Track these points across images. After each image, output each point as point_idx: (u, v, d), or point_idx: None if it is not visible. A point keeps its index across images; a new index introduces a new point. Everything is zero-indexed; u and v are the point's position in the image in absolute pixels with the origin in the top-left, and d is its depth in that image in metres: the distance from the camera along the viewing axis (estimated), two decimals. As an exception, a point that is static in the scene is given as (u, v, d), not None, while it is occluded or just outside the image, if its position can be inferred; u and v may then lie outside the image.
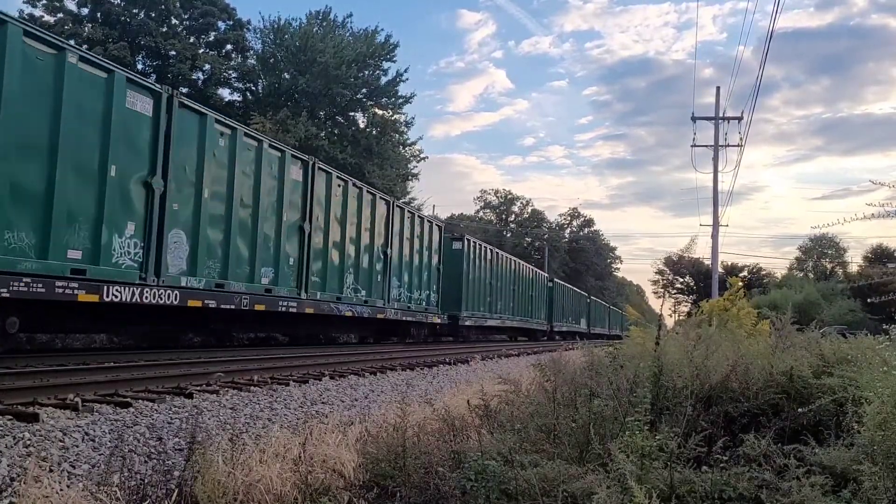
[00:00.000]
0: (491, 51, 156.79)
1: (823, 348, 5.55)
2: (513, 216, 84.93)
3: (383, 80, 34.60)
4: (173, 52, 29.14)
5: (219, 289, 11.49)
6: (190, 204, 10.87)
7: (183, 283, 10.71)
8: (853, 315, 36.67)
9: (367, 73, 33.82)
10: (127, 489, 3.84)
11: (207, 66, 30.07)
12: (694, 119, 27.47)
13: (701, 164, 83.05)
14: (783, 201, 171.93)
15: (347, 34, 34.25)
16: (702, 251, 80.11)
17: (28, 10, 27.65)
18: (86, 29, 27.79)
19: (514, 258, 33.84)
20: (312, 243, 14.48)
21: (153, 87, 10.43)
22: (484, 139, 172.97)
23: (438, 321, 22.21)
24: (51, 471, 4.10)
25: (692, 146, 27.38)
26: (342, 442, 4.87)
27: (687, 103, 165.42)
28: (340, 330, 18.70)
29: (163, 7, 29.52)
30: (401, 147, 37.34)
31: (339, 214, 15.80)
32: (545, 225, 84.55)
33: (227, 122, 12.03)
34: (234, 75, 33.40)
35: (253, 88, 34.24)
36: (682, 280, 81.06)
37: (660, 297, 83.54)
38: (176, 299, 10.46)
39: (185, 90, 28.72)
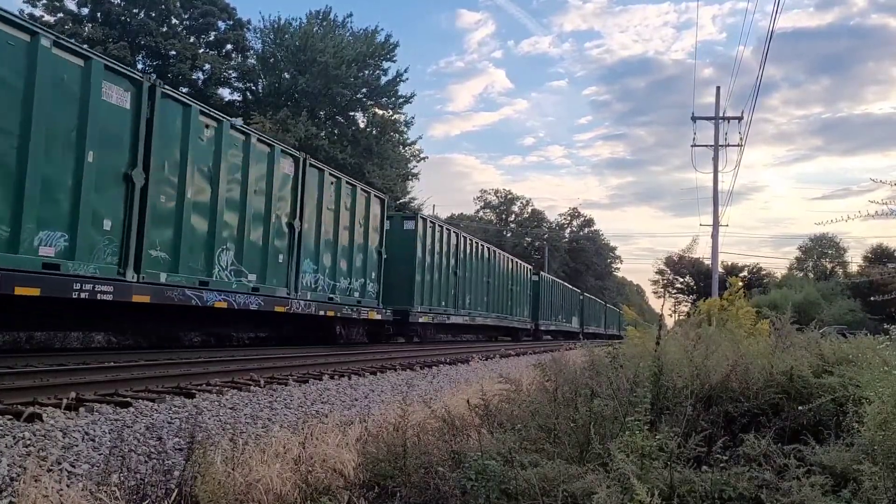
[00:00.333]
0: (490, 51, 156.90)
1: (823, 348, 5.56)
2: (513, 216, 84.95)
3: (383, 80, 34.62)
4: (173, 52, 29.14)
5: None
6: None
7: None
8: (853, 315, 36.69)
9: (366, 72, 33.83)
10: (126, 489, 3.84)
11: (207, 66, 30.07)
12: (694, 119, 27.47)
13: (701, 163, 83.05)
14: (783, 201, 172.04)
15: (347, 34, 34.26)
16: (702, 251, 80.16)
17: (28, 9, 27.66)
18: (86, 29, 27.79)
19: (491, 246, 29.65)
20: (152, 202, 10.24)
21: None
22: (484, 139, 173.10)
23: (378, 317, 17.86)
24: (50, 470, 4.10)
25: (692, 146, 27.38)
26: (342, 442, 4.87)
27: (686, 103, 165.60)
28: (218, 327, 14.08)
29: (163, 7, 29.52)
30: (401, 147, 37.35)
31: (211, 168, 11.55)
32: (545, 225, 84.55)
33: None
34: (234, 75, 33.41)
35: (253, 88, 34.25)
36: (682, 280, 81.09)
37: (660, 297, 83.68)
38: None
39: (185, 90, 28.76)
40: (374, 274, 17.99)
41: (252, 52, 33.93)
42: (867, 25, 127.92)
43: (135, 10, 29.08)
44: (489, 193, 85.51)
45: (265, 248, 13.12)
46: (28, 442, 4.58)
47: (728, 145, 26.61)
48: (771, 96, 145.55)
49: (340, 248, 16.06)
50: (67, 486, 3.85)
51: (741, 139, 26.15)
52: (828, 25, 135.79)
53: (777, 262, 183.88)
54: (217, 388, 7.66)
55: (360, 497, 4.00)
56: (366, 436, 5.28)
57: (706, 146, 27.11)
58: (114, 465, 4.28)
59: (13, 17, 8.27)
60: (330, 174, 15.58)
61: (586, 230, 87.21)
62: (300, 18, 34.08)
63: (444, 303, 22.44)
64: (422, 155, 40.20)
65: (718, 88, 41.57)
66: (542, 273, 40.21)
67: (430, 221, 21.70)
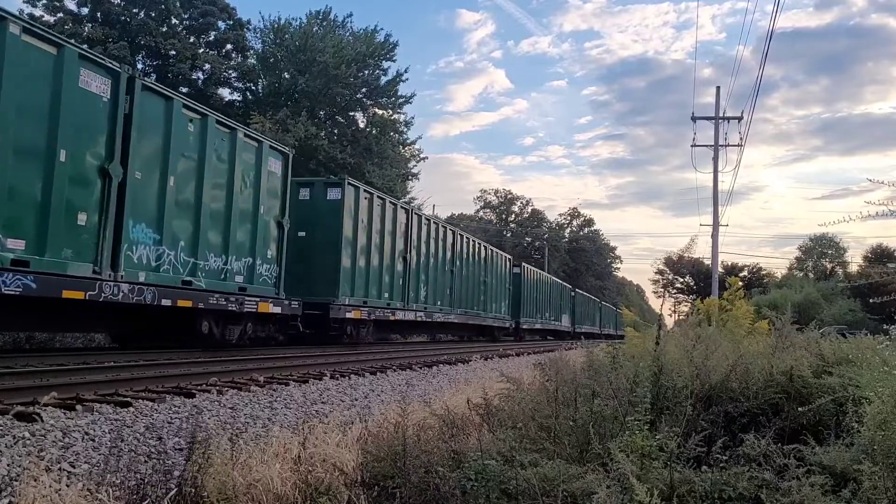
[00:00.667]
0: (490, 51, 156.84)
1: (823, 348, 5.56)
2: (513, 216, 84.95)
3: (383, 80, 34.59)
4: (173, 52, 29.14)
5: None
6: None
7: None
8: (853, 315, 36.67)
9: (366, 72, 33.81)
10: (126, 489, 3.84)
11: (207, 66, 30.06)
12: (694, 119, 27.47)
13: (701, 163, 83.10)
14: (783, 201, 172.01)
15: (347, 34, 34.25)
16: (702, 251, 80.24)
17: (28, 9, 27.65)
18: (86, 29, 27.79)
19: (457, 229, 25.36)
20: None
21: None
22: (483, 139, 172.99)
23: (277, 310, 13.30)
24: (50, 470, 4.10)
25: (692, 146, 27.37)
26: (342, 441, 4.87)
27: (686, 103, 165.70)
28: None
29: (163, 7, 29.51)
30: (400, 147, 37.34)
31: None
32: (545, 225, 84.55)
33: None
34: (234, 75, 33.38)
35: (253, 88, 34.23)
36: (682, 280, 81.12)
37: (660, 296, 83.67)
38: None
39: (185, 90, 28.76)
40: (269, 252, 13.32)
41: (252, 52, 33.92)
42: (866, 25, 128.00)
43: (135, 10, 29.08)
44: (489, 193, 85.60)
45: (45, 200, 8.62)
46: (28, 442, 4.58)
47: (728, 145, 26.63)
48: (770, 96, 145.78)
49: (208, 214, 11.58)
50: (67, 485, 3.85)
51: (741, 139, 26.18)
52: (827, 25, 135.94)
53: (777, 262, 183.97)
54: (217, 388, 7.66)
55: (360, 497, 4.00)
56: (366, 436, 5.28)
57: (706, 146, 27.13)
58: (114, 465, 4.28)
59: None
60: (185, 108, 11.17)
61: (586, 230, 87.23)
62: (300, 18, 34.08)
63: (386, 294, 18.19)
64: (422, 155, 40.20)
65: (718, 88, 41.65)
66: (524, 265, 36.13)
67: (366, 191, 17.20)
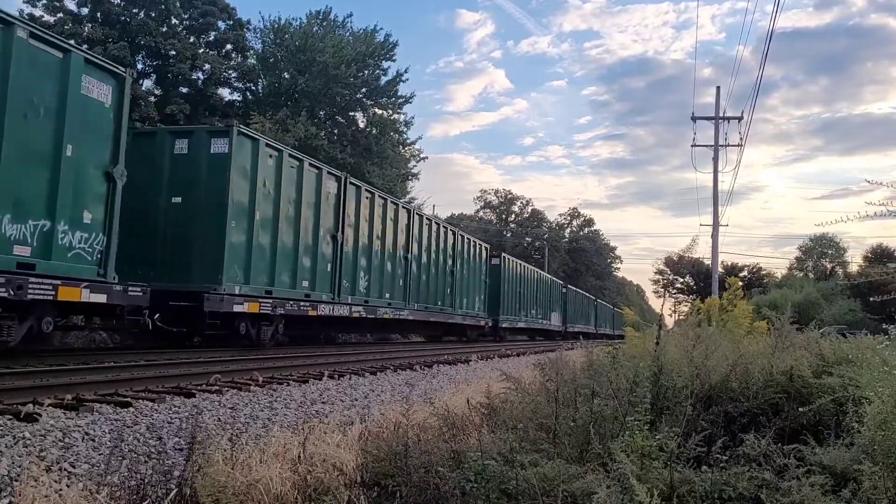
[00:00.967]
0: (490, 51, 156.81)
1: (823, 348, 5.56)
2: (513, 216, 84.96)
3: (383, 80, 34.60)
4: (173, 52, 29.13)
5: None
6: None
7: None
8: (853, 315, 36.67)
9: (366, 72, 33.82)
10: (127, 489, 3.84)
11: (207, 66, 30.05)
12: (694, 119, 27.47)
13: (701, 163, 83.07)
14: (783, 201, 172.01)
15: (347, 34, 34.25)
16: (702, 251, 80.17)
17: (28, 9, 27.65)
18: (86, 29, 27.79)
19: (418, 210, 21.86)
20: None
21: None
22: (483, 139, 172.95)
23: (99, 300, 9.31)
24: (50, 470, 4.10)
25: (692, 146, 27.36)
26: (342, 442, 4.87)
27: (686, 103, 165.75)
28: None
29: (163, 7, 29.51)
30: (400, 147, 37.34)
31: None
32: (545, 225, 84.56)
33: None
34: (234, 75, 33.37)
35: (253, 88, 34.23)
36: (682, 280, 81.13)
37: (660, 296, 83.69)
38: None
39: (185, 90, 28.75)
40: (87, 215, 9.41)
41: (252, 52, 33.92)
42: (866, 25, 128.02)
43: (135, 11, 29.08)
44: (489, 193, 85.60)
45: None
46: (28, 442, 4.58)
47: (728, 145, 26.63)
48: (770, 96, 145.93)
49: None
50: (67, 486, 3.85)
51: (741, 139, 26.17)
52: (826, 25, 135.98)
53: (777, 262, 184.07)
54: (217, 387, 7.66)
55: (360, 497, 4.00)
56: (366, 436, 5.28)
57: (706, 146, 27.12)
58: (114, 465, 4.28)
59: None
60: None
61: (586, 230, 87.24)
62: (300, 18, 34.10)
63: (306, 283, 14.29)
64: (422, 155, 40.19)
65: (718, 88, 41.65)
66: (505, 255, 31.67)
67: (271, 147, 13.21)
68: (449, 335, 26.09)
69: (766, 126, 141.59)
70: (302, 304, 14.05)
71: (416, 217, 20.96)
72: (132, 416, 5.82)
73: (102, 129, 9.67)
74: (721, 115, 26.71)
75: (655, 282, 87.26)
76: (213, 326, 11.86)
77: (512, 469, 3.73)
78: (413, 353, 16.70)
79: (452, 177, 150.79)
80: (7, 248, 8.26)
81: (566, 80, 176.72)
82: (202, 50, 31.40)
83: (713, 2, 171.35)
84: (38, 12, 27.83)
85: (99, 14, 28.57)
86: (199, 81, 30.77)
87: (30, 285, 8.32)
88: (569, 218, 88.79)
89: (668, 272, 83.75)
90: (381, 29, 35.66)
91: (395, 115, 36.11)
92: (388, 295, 18.52)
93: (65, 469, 4.24)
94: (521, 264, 34.59)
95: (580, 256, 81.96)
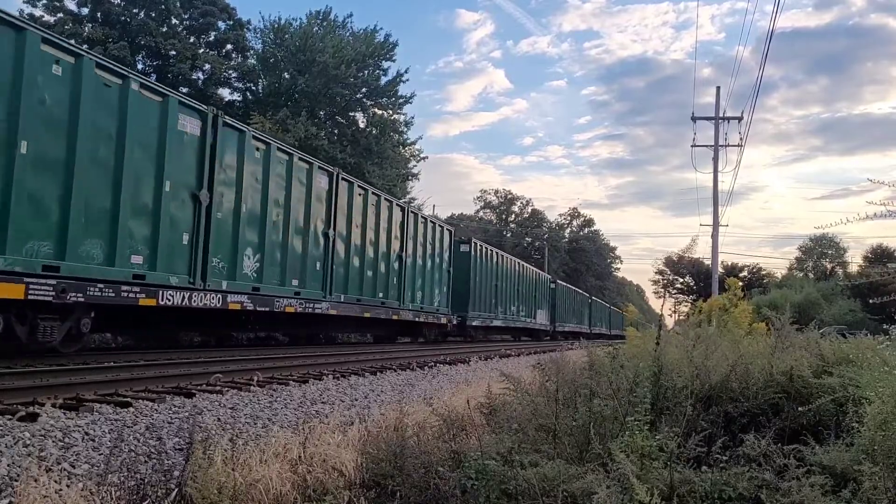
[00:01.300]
0: (489, 51, 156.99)
1: (823, 348, 5.56)
2: (513, 216, 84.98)
3: (383, 80, 34.62)
4: (173, 52, 29.14)
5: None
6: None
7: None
8: (853, 315, 36.67)
9: (366, 72, 33.83)
10: (126, 489, 3.84)
11: (207, 66, 30.08)
12: (694, 119, 27.47)
13: (701, 164, 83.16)
14: (783, 201, 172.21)
15: (347, 34, 34.27)
16: (702, 251, 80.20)
17: (28, 9, 27.66)
18: (86, 29, 27.79)
19: (336, 173, 15.39)
20: None
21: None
22: (483, 139, 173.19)
23: None
24: (50, 470, 4.10)
25: (692, 146, 27.37)
26: (342, 442, 4.87)
27: (685, 103, 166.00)
28: None
29: (163, 7, 29.52)
30: (400, 147, 37.35)
31: None
32: (545, 225, 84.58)
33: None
34: (234, 75, 33.41)
35: (253, 88, 34.26)
36: (682, 280, 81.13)
37: (660, 297, 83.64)
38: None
39: (185, 90, 28.78)
40: None
41: (252, 52, 33.94)
42: (866, 25, 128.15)
43: (135, 10, 29.08)
44: (489, 193, 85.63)
45: None
46: (28, 442, 4.58)
47: (728, 145, 26.63)
48: (770, 96, 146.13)
49: None
50: (67, 486, 3.85)
51: (741, 139, 26.18)
52: (826, 25, 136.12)
53: (777, 262, 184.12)
54: (217, 387, 7.66)
55: (360, 497, 4.00)
56: (366, 436, 5.28)
57: (706, 146, 27.13)
58: (114, 465, 4.28)
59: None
60: None
61: (586, 230, 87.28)
62: (300, 18, 34.13)
63: (137, 259, 9.89)
64: (422, 155, 40.20)
65: (718, 88, 41.65)
66: (476, 241, 26.53)
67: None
68: (405, 335, 21.50)
69: (766, 126, 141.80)
70: (127, 288, 9.50)
71: (344, 184, 15.70)
72: (132, 416, 5.82)
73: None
74: (721, 115, 26.72)
75: (655, 282, 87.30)
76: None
77: (512, 469, 3.73)
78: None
79: (452, 177, 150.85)
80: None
81: (566, 80, 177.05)
82: (202, 50, 31.41)
83: (713, 2, 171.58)
84: (38, 12, 27.83)
85: (99, 14, 28.57)
86: (200, 81, 30.79)
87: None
88: (569, 218, 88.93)
89: (668, 272, 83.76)
90: (381, 29, 35.72)
91: (395, 116, 36.13)
92: (295, 282, 13.76)
93: (65, 469, 4.24)
94: (498, 254, 29.49)
95: (580, 256, 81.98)
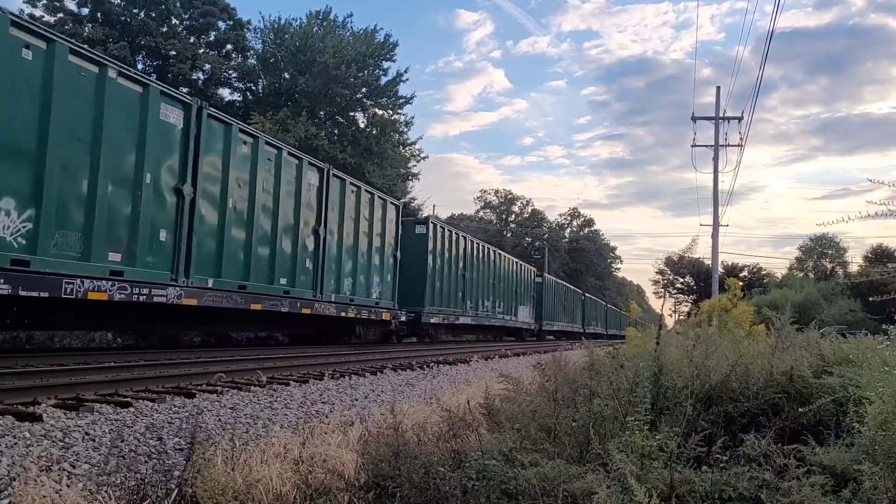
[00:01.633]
0: (489, 51, 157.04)
1: (823, 348, 5.56)
2: (513, 216, 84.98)
3: (383, 80, 34.64)
4: (173, 52, 29.15)
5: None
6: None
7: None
8: (853, 315, 36.64)
9: (366, 72, 33.83)
10: (127, 489, 3.84)
11: (207, 66, 30.09)
12: (694, 119, 27.47)
13: (701, 163, 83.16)
14: (783, 201, 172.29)
15: (347, 34, 34.28)
16: (702, 251, 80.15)
17: (28, 10, 27.65)
18: (86, 29, 27.79)
19: (197, 106, 11.08)
20: None
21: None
22: (482, 139, 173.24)
23: None
24: (50, 470, 4.10)
25: (692, 146, 27.37)
26: (343, 442, 4.87)
27: (685, 103, 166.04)
28: None
29: (163, 7, 29.53)
30: (401, 147, 37.36)
31: None
32: (545, 225, 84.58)
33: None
34: (234, 75, 33.43)
35: (253, 88, 34.28)
36: (682, 280, 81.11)
37: (660, 297, 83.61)
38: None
39: (185, 90, 28.76)
40: None
41: (252, 52, 33.95)
42: (865, 25, 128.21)
43: (135, 11, 29.09)
44: (489, 193, 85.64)
45: None
46: (28, 442, 4.58)
47: (728, 145, 26.63)
48: (770, 96, 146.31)
49: None
50: (67, 486, 3.85)
51: (741, 139, 26.18)
52: (826, 25, 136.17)
53: (777, 262, 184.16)
54: (218, 387, 7.67)
55: (361, 497, 4.00)
56: (366, 436, 5.28)
57: (706, 146, 27.13)
58: (114, 466, 4.28)
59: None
60: None
61: (586, 230, 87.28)
62: (300, 18, 34.15)
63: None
64: (422, 155, 40.21)
65: (718, 88, 41.61)
66: (434, 222, 21.77)
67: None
68: (340, 334, 17.13)
69: (766, 126, 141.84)
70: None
71: (215, 125, 11.64)
72: (132, 416, 5.82)
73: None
74: (721, 115, 26.72)
75: (655, 282, 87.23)
76: None
77: (512, 469, 3.73)
78: (413, 353, 16.70)
79: (452, 177, 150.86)
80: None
81: (565, 80, 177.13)
82: (202, 50, 31.42)
83: (713, 2, 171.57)
84: (38, 12, 27.83)
85: (99, 14, 28.58)
86: (200, 81, 30.80)
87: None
88: (569, 218, 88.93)
89: (669, 272, 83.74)
90: (381, 29, 35.75)
91: (395, 116, 36.14)
92: (116, 256, 9.61)
93: (65, 469, 4.24)
94: (467, 239, 24.89)
95: (580, 256, 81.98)
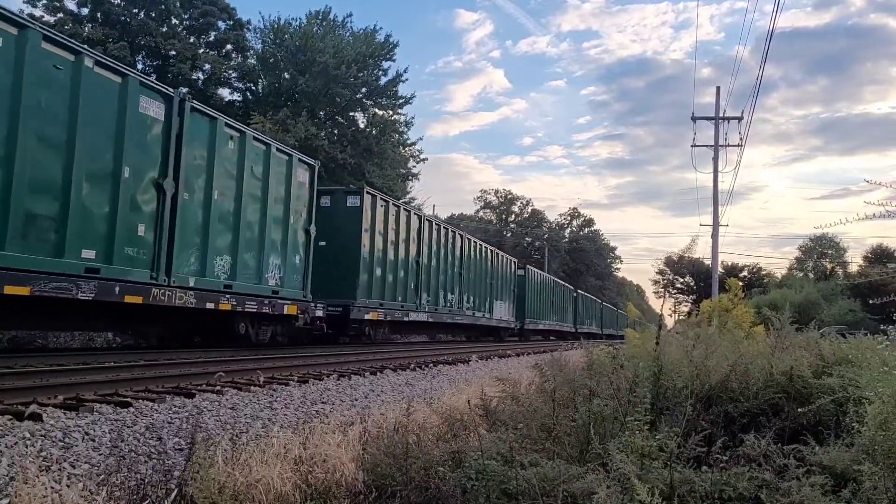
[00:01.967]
0: (489, 50, 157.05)
1: (823, 348, 5.57)
2: (513, 216, 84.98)
3: (383, 80, 34.63)
4: (173, 52, 29.15)
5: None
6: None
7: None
8: (853, 315, 36.62)
9: (366, 73, 33.83)
10: (126, 489, 3.84)
11: (207, 66, 30.09)
12: (694, 119, 27.46)
13: (701, 163, 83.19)
14: (782, 201, 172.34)
15: (347, 34, 34.27)
16: (702, 251, 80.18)
17: (28, 9, 27.65)
18: (86, 29, 27.79)
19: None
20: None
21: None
22: (482, 139, 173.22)
23: None
24: (50, 470, 4.11)
25: (692, 146, 27.36)
26: (343, 442, 4.87)
27: (684, 103, 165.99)
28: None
29: (163, 7, 29.53)
30: (400, 147, 37.36)
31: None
32: (545, 225, 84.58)
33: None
34: (234, 75, 33.41)
35: (253, 88, 34.26)
36: (682, 280, 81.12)
37: (660, 297, 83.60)
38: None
39: (185, 90, 28.73)
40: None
41: (252, 52, 33.94)
42: (865, 25, 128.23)
43: (135, 10, 29.09)
44: (489, 193, 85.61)
45: None
46: (28, 442, 4.58)
47: (728, 145, 26.62)
48: (769, 96, 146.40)
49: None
50: (67, 486, 3.85)
51: (741, 139, 26.17)
52: (826, 25, 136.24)
53: (777, 262, 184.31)
54: (218, 387, 7.67)
55: (361, 497, 4.00)
56: (366, 436, 5.28)
57: (706, 146, 27.12)
58: (114, 465, 4.28)
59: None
60: None
61: (586, 230, 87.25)
62: (300, 18, 34.12)
63: None
64: (422, 156, 40.19)
65: (718, 88, 41.58)
66: (370, 194, 17.17)
67: None
68: (205, 334, 13.65)
69: (766, 126, 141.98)
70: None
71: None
72: (132, 416, 5.82)
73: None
74: (721, 115, 26.71)
75: (656, 282, 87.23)
76: None
77: (512, 469, 3.73)
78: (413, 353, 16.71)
79: (452, 177, 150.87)
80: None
81: (565, 80, 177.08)
82: (202, 50, 31.43)
83: (712, 2, 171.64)
84: (38, 12, 27.83)
85: (99, 14, 28.58)
86: (200, 81, 30.80)
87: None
88: (569, 218, 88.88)
89: (669, 272, 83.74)
90: (381, 29, 35.74)
91: (395, 116, 36.14)
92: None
93: (65, 469, 4.24)
94: (423, 219, 20.66)
95: (580, 256, 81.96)
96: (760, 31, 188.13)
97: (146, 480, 4.03)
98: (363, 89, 34.22)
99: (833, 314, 31.21)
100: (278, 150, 13.49)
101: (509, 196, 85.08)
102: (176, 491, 3.84)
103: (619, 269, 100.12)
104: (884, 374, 3.96)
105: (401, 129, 36.89)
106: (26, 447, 4.48)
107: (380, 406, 7.80)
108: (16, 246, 8.16)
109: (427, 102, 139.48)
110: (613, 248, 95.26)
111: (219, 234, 11.83)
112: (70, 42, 9.08)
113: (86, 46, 9.71)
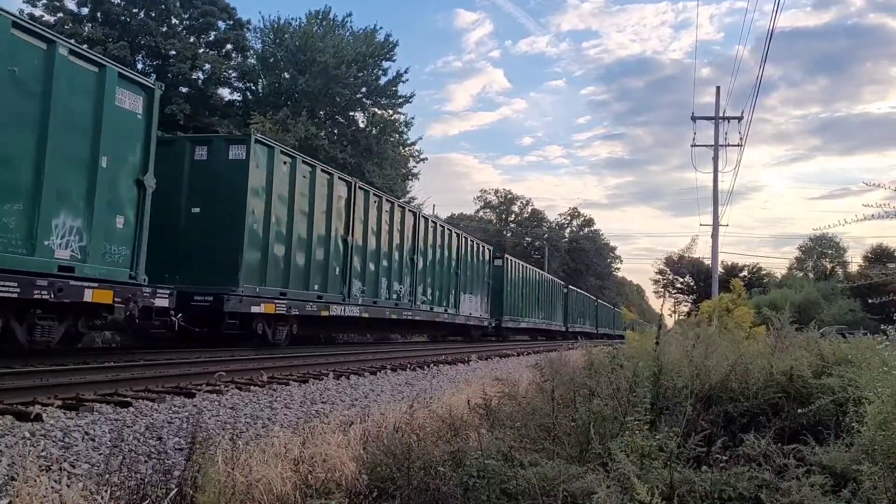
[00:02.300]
0: (488, 50, 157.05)
1: (823, 348, 5.57)
2: (513, 216, 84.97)
3: (383, 80, 34.63)
4: (173, 52, 29.14)
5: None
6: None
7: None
8: (853, 315, 36.65)
9: (366, 72, 33.82)
10: (126, 489, 3.84)
11: (207, 66, 30.06)
12: (694, 119, 27.45)
13: (701, 163, 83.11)
14: (782, 201, 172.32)
15: (347, 34, 34.27)
16: (702, 251, 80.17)
17: (28, 9, 27.65)
18: (86, 29, 27.79)
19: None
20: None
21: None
22: (482, 139, 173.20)
23: None
24: (50, 470, 4.11)
25: (692, 146, 27.33)
26: (343, 442, 4.87)
27: (684, 103, 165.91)
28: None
29: (163, 7, 29.52)
30: (400, 147, 37.36)
31: None
32: (545, 225, 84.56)
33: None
34: (234, 75, 33.38)
35: (253, 88, 34.25)
36: (682, 280, 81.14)
37: (660, 296, 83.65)
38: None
39: (185, 90, 28.73)
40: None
41: (252, 52, 33.93)
42: (865, 25, 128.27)
43: (135, 10, 29.09)
44: (489, 193, 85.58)
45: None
46: (28, 442, 4.59)
47: (728, 145, 26.61)
48: (769, 96, 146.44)
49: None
50: (67, 486, 3.85)
51: (741, 139, 26.15)
52: (825, 25, 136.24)
53: (777, 262, 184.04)
54: (218, 387, 7.67)
55: (361, 497, 4.00)
56: (366, 436, 5.28)
57: (706, 146, 27.10)
58: (114, 465, 4.28)
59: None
60: None
61: (586, 230, 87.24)
62: (300, 18, 34.12)
63: None
64: (421, 156, 40.18)
65: (718, 88, 41.52)
66: (267, 144, 13.12)
67: None
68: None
69: (766, 126, 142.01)
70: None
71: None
72: (132, 415, 5.82)
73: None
74: (721, 114, 26.71)
75: (656, 282, 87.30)
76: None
77: (512, 468, 3.73)
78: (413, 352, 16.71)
79: (452, 177, 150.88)
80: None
81: (565, 79, 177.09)
82: (202, 50, 31.41)
83: (712, 1, 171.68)
84: (38, 12, 27.84)
85: (99, 14, 28.58)
86: (200, 81, 30.77)
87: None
88: (569, 218, 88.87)
89: (669, 272, 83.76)
90: (381, 29, 35.73)
91: (395, 116, 36.14)
92: None
93: (65, 469, 4.24)
94: (352, 184, 16.35)
95: (580, 256, 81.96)
96: (760, 31, 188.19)
97: (146, 480, 4.03)
98: (363, 89, 34.22)
99: (833, 314, 31.23)
100: (71, 51, 9.01)
101: (509, 196, 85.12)
102: (176, 491, 3.83)
103: (619, 268, 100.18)
104: (884, 374, 3.96)
105: (401, 129, 36.89)
106: (26, 447, 4.48)
107: (380, 406, 7.80)
108: None
109: (427, 102, 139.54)
110: (613, 248, 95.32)
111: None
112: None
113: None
